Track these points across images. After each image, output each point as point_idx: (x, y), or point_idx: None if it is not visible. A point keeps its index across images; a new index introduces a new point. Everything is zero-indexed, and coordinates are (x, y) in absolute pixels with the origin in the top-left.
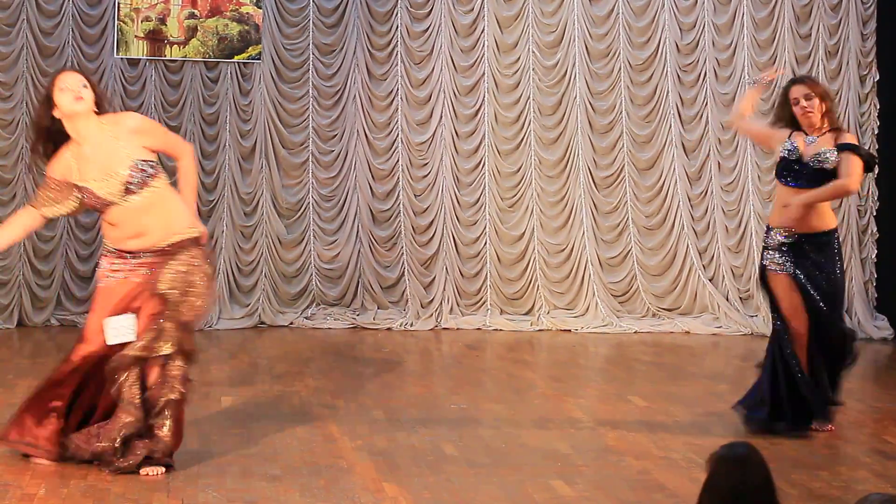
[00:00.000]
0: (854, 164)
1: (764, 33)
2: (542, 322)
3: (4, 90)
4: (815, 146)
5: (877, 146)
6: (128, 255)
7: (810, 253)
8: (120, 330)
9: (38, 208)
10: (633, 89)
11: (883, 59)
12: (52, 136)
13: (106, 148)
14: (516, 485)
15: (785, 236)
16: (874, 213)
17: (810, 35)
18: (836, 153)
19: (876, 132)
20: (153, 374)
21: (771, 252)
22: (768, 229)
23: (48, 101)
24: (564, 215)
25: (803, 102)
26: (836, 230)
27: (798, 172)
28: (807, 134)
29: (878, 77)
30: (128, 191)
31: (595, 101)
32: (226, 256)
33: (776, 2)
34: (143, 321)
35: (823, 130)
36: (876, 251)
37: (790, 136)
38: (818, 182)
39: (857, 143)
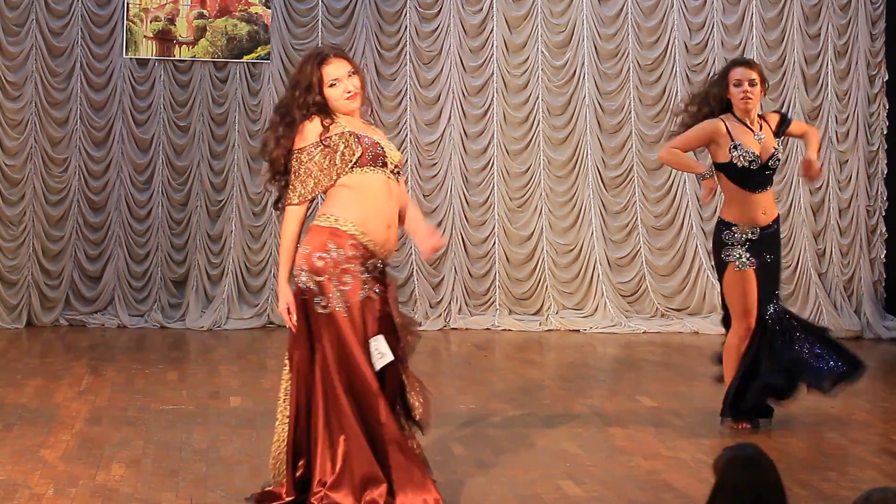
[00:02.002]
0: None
1: (773, 33)
2: (551, 322)
3: (13, 90)
4: (765, 144)
5: (885, 146)
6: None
7: (766, 244)
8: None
9: (301, 203)
10: (641, 89)
11: (892, 59)
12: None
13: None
14: (525, 485)
15: (752, 233)
16: (883, 214)
17: (819, 35)
18: (780, 145)
19: (885, 132)
20: None
21: (738, 249)
22: (729, 226)
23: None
24: (573, 215)
25: (747, 87)
26: (779, 217)
27: (761, 178)
28: (745, 125)
29: (887, 77)
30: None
31: (604, 101)
32: (235, 256)
33: (785, 2)
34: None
35: (754, 117)
36: (885, 251)
37: (730, 133)
38: (772, 178)
39: (781, 111)
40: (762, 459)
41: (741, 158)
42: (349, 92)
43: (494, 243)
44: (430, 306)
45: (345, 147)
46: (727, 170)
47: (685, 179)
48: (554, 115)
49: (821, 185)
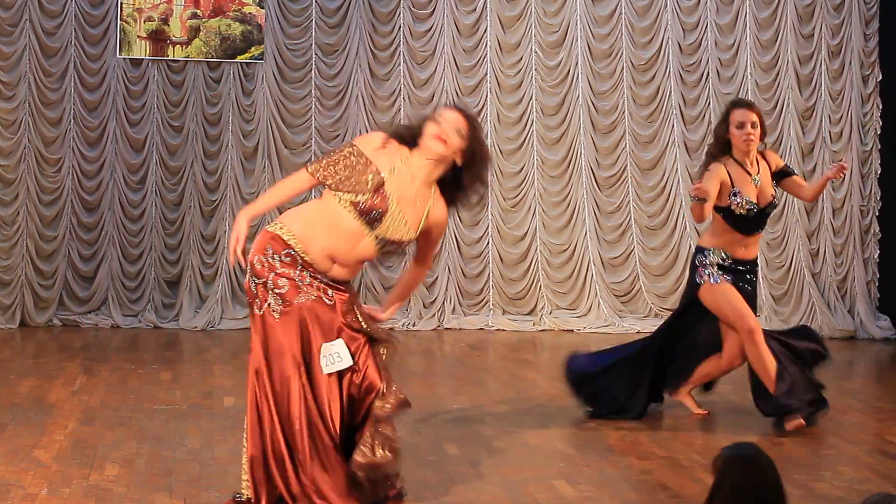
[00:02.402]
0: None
1: (766, 33)
2: (545, 322)
3: (7, 90)
4: (762, 188)
5: (879, 146)
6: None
7: (739, 275)
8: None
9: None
10: (635, 89)
11: (886, 59)
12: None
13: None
14: (519, 485)
15: (723, 259)
16: (877, 214)
17: (813, 35)
18: (777, 190)
19: (879, 132)
20: None
21: (709, 269)
22: (702, 251)
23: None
24: (567, 215)
25: (749, 129)
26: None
27: (756, 222)
28: (743, 168)
29: (880, 77)
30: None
31: (597, 101)
32: (228, 256)
33: (779, 2)
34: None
35: (753, 157)
36: (878, 251)
37: (731, 178)
38: (766, 221)
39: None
40: (761, 458)
41: (740, 206)
42: (442, 138)
43: (488, 243)
44: (424, 306)
45: (362, 180)
46: (725, 213)
47: (679, 179)
48: (547, 115)
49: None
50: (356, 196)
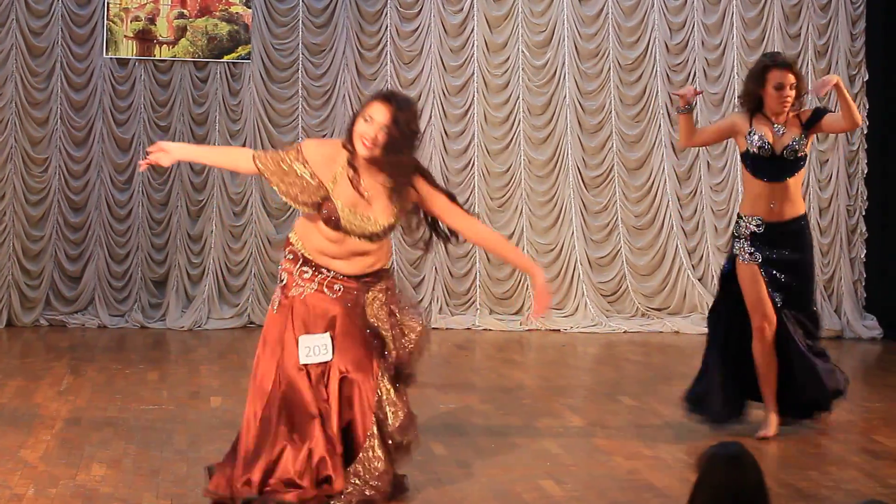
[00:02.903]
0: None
1: (753, 33)
2: (532, 322)
3: None
4: (787, 136)
5: (866, 146)
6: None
7: (782, 243)
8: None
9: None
10: (622, 89)
11: (872, 59)
12: None
13: None
14: (506, 484)
15: (756, 226)
16: (863, 213)
17: (800, 35)
18: (805, 138)
19: (865, 132)
20: None
21: (742, 241)
22: (739, 217)
23: None
24: (554, 215)
25: (788, 91)
26: (806, 215)
27: (772, 167)
28: (770, 121)
29: (867, 77)
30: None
31: (584, 100)
32: (215, 256)
33: (766, 2)
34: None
35: (788, 117)
36: (865, 251)
37: (751, 124)
38: (795, 171)
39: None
40: (744, 457)
41: (752, 144)
42: (366, 142)
43: None
44: None
45: (305, 191)
46: (743, 158)
47: (665, 179)
48: (534, 115)
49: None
50: (300, 206)
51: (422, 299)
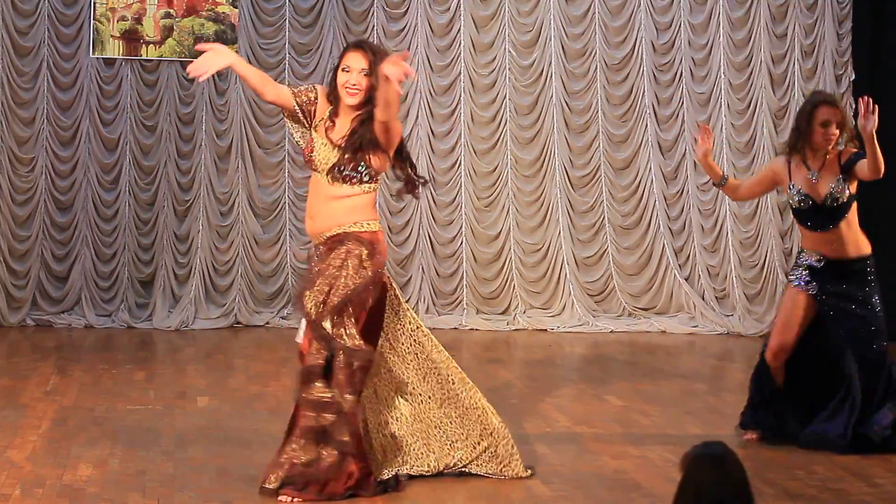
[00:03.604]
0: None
1: (740, 33)
2: (519, 321)
3: None
4: (823, 183)
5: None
6: None
7: (836, 277)
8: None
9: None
10: (609, 89)
11: (858, 59)
12: None
13: None
14: (493, 484)
15: (816, 261)
16: None
17: (786, 35)
18: (844, 182)
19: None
20: None
21: (800, 270)
22: (801, 251)
23: None
24: (540, 215)
25: (833, 129)
26: (870, 256)
27: (817, 217)
28: (805, 163)
29: (853, 77)
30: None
31: (571, 100)
32: (202, 256)
33: (752, 1)
34: None
35: (825, 160)
36: None
37: (790, 176)
38: (840, 217)
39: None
40: (728, 458)
41: (793, 199)
42: (351, 90)
43: (462, 243)
44: None
45: (300, 135)
46: (790, 206)
47: (652, 179)
48: (521, 115)
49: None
50: (302, 134)
51: (408, 299)
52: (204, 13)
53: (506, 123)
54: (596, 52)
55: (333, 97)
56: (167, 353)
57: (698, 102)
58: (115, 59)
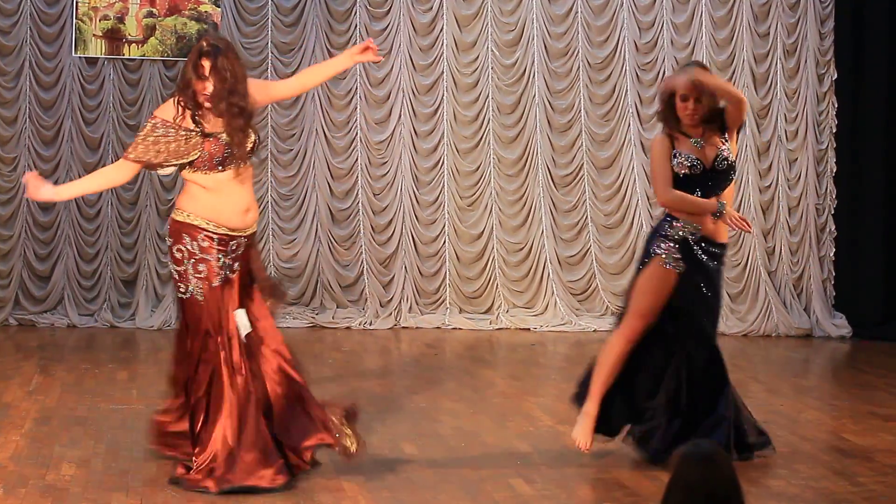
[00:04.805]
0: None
1: (722, 32)
2: (502, 321)
3: None
4: (710, 147)
5: (835, 145)
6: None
7: (703, 265)
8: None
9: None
10: (591, 88)
11: (841, 58)
12: None
13: None
14: (476, 483)
15: (692, 234)
16: (832, 212)
17: (769, 34)
18: (727, 141)
19: (834, 131)
20: None
21: (670, 243)
22: (672, 220)
23: None
24: (523, 214)
25: (691, 104)
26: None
27: (706, 181)
28: (688, 136)
29: (836, 76)
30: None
31: (554, 99)
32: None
33: (734, 1)
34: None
35: (699, 129)
36: (834, 250)
37: (674, 146)
38: (730, 180)
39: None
40: (717, 456)
41: (681, 166)
42: (204, 93)
43: (445, 242)
44: (381, 305)
45: (185, 142)
46: (675, 181)
47: (635, 178)
48: (504, 114)
49: (770, 184)
50: (188, 159)
51: (391, 298)
52: (186, 12)
53: (488, 122)
54: (578, 52)
55: (192, 102)
56: (150, 352)
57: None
58: (98, 58)
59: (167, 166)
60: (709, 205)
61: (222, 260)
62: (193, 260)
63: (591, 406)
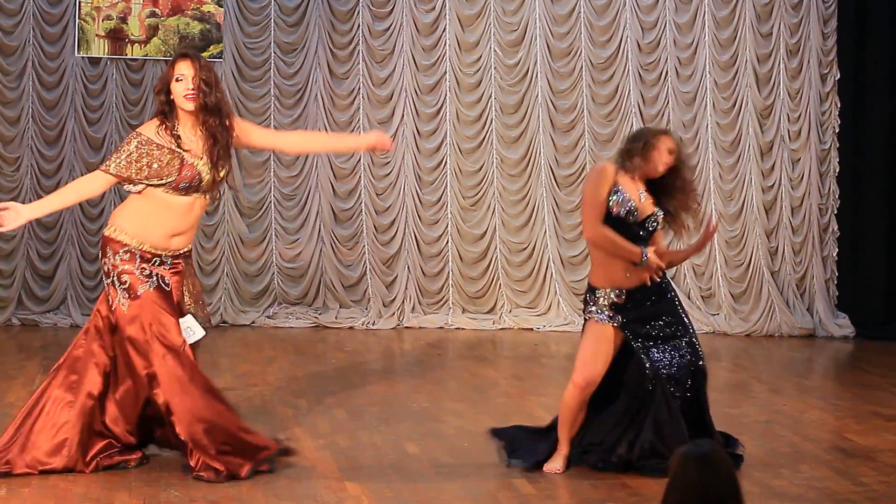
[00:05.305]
0: None
1: (725, 32)
2: (505, 321)
3: None
4: (648, 204)
5: (837, 145)
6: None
7: (638, 301)
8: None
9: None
10: (594, 88)
11: (844, 58)
12: None
13: None
14: (479, 483)
15: (616, 296)
16: (835, 212)
17: (771, 34)
18: (658, 213)
19: (837, 131)
20: None
21: (596, 307)
22: (593, 291)
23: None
24: (526, 214)
25: (672, 159)
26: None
27: (634, 231)
28: (635, 180)
29: (839, 76)
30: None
31: (557, 99)
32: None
33: (737, 1)
34: None
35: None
36: (837, 250)
37: (617, 183)
38: (646, 240)
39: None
40: (716, 457)
41: (617, 205)
42: (190, 96)
43: (447, 242)
44: (384, 305)
45: (167, 164)
46: (610, 216)
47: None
48: (507, 114)
49: (773, 184)
50: (166, 180)
51: (394, 298)
52: (189, 12)
53: (491, 122)
54: (581, 52)
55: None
56: None
57: (684, 101)
58: (101, 58)
59: (142, 184)
60: (633, 253)
61: (148, 270)
62: (116, 272)
63: (564, 447)
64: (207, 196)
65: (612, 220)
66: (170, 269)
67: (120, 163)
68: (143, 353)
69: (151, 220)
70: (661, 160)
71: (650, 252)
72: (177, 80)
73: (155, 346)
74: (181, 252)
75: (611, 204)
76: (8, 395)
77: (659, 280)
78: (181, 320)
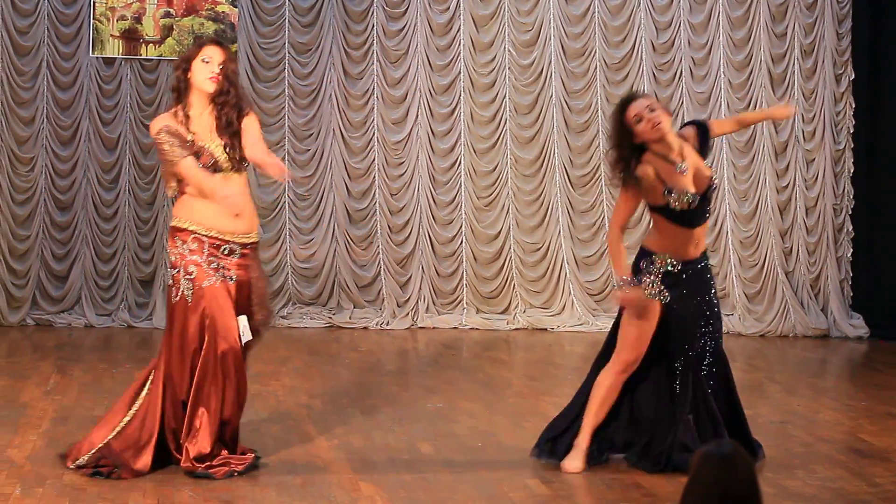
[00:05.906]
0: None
1: (739, 32)
2: (519, 321)
3: None
4: (697, 174)
5: (852, 145)
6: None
7: (689, 281)
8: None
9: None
10: (608, 88)
11: (858, 58)
12: None
13: None
14: (493, 484)
15: (672, 265)
16: (850, 212)
17: (786, 34)
18: (706, 160)
19: (851, 131)
20: None
21: (652, 277)
22: (649, 255)
23: None
24: (540, 214)
25: (648, 115)
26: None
27: (701, 212)
28: (667, 159)
29: (853, 76)
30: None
31: (571, 99)
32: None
33: (752, 1)
34: None
35: (672, 142)
36: (852, 250)
37: (660, 177)
38: (709, 208)
39: (695, 120)
40: (737, 457)
41: (678, 202)
42: (214, 78)
43: (462, 242)
44: (398, 305)
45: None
46: (664, 212)
47: None
48: (521, 114)
49: (787, 184)
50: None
51: (408, 298)
52: (203, 12)
53: (505, 123)
54: (596, 52)
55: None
56: None
57: (698, 102)
58: (115, 58)
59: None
60: (617, 272)
61: (215, 262)
62: (185, 262)
63: (583, 439)
64: (239, 170)
65: (681, 214)
66: (238, 260)
67: (174, 151)
68: (193, 348)
69: (203, 201)
70: (646, 129)
71: (627, 287)
72: (203, 62)
73: (206, 342)
74: (249, 241)
75: (671, 203)
76: (23, 395)
77: (702, 265)
78: (238, 318)
